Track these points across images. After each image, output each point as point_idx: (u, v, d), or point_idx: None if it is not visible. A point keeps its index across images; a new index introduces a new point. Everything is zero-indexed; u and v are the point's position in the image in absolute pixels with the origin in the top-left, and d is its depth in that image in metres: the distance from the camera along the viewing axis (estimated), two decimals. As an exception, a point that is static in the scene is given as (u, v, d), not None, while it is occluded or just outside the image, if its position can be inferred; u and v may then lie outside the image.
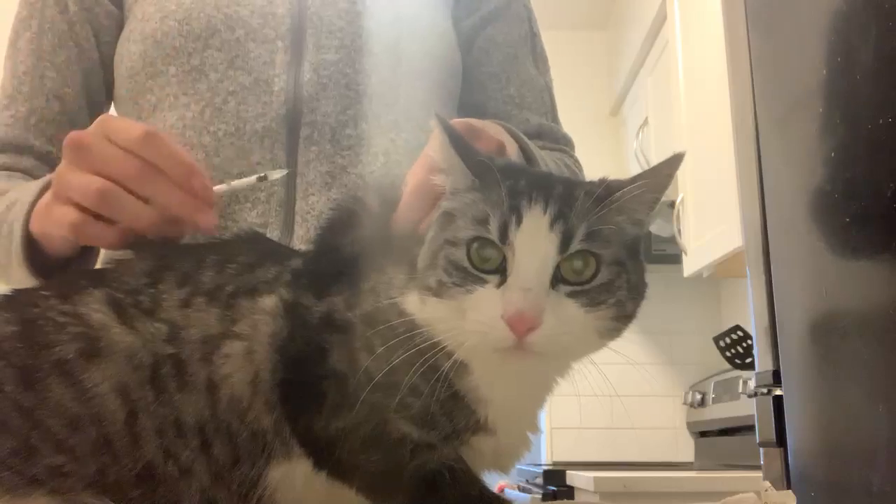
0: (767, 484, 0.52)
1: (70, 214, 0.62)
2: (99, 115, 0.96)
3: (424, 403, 0.51)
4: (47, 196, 0.67)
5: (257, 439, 0.53)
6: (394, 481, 0.51)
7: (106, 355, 0.53)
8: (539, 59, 1.03)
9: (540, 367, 0.54)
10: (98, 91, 0.94)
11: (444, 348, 0.51)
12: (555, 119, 1.02)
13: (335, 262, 0.57)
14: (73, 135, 0.62)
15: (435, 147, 0.55)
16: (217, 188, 0.66)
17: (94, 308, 0.55)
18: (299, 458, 0.53)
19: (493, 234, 0.49)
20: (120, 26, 0.93)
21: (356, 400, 0.51)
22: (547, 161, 0.85)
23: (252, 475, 0.53)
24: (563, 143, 1.01)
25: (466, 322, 0.49)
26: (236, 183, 0.70)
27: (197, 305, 0.55)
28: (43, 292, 0.57)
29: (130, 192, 0.61)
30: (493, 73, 0.99)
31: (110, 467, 0.52)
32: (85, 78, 0.93)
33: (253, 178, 0.70)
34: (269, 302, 0.55)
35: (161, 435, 0.52)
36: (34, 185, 0.73)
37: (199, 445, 0.53)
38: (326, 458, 0.53)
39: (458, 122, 0.61)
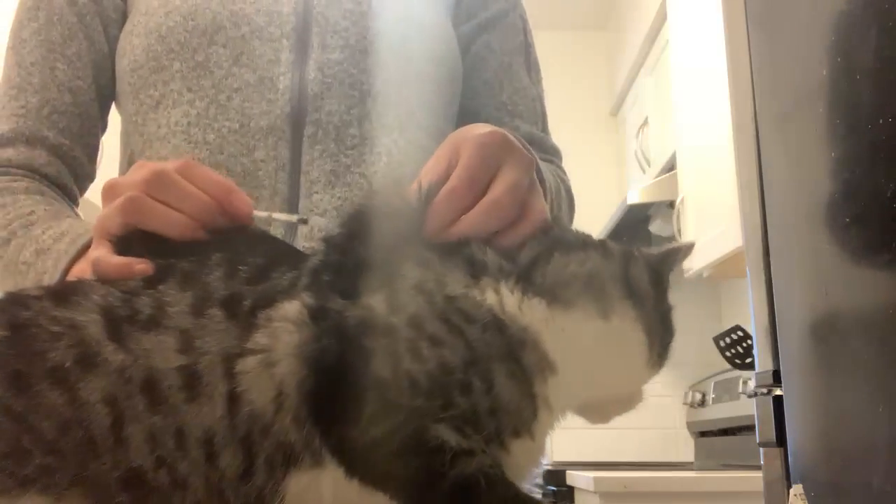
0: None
1: (94, 252, 0.59)
2: (108, 108, 0.97)
3: (472, 402, 0.50)
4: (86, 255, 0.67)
5: (281, 452, 0.50)
6: (430, 490, 0.49)
7: (95, 371, 0.51)
8: (533, 69, 1.03)
9: None
10: (108, 85, 0.94)
11: (537, 345, 0.52)
12: (545, 129, 1.02)
13: (361, 257, 0.54)
14: (109, 181, 0.62)
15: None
16: (257, 213, 0.63)
17: (90, 319, 0.52)
18: (329, 466, 0.50)
19: None
20: (125, 20, 0.93)
21: (397, 406, 0.49)
22: (545, 172, 0.84)
23: (267, 488, 0.50)
24: (551, 154, 1.01)
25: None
26: (276, 215, 0.74)
27: (213, 317, 0.52)
28: (34, 294, 0.54)
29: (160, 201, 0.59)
30: (487, 80, 0.99)
31: (90, 463, 0.50)
32: (96, 70, 0.92)
33: (294, 217, 0.76)
34: (290, 308, 0.51)
35: (153, 443, 0.50)
36: (71, 241, 0.75)
37: (204, 457, 0.50)
38: (360, 465, 0.50)
39: (496, 131, 0.60)
